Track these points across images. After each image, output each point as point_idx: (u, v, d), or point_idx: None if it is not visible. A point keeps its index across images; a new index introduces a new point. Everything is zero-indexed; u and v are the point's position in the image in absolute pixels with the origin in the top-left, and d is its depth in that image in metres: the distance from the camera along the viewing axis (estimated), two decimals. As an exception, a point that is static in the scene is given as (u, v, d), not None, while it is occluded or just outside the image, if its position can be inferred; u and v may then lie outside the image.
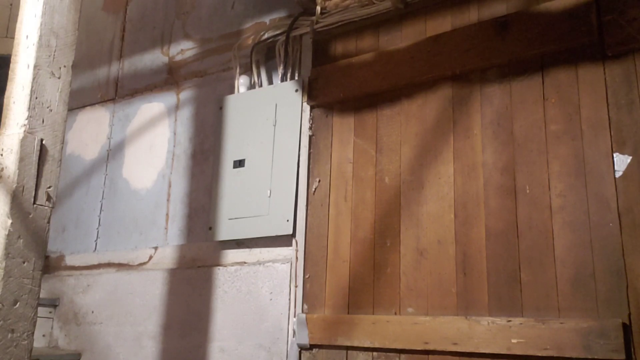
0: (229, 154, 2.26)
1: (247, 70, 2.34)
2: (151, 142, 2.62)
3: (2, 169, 1.41)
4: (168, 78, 2.65)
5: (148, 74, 2.73)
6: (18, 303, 1.39)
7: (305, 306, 1.94)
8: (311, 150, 2.09)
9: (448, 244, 1.73)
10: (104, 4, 3.05)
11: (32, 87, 1.46)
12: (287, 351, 1.92)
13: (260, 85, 2.31)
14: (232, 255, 2.19)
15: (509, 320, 1.54)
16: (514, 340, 1.52)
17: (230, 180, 2.23)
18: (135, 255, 2.48)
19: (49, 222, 1.46)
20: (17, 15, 1.56)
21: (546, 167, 1.63)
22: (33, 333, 1.41)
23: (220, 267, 2.19)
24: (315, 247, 1.98)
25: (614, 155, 1.53)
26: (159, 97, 2.66)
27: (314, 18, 2.15)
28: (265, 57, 2.33)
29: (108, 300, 2.47)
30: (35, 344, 1.43)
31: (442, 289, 1.71)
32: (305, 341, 1.87)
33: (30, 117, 1.44)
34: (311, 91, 2.12)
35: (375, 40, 2.06)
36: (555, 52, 1.68)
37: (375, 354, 1.76)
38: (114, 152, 2.75)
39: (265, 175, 2.13)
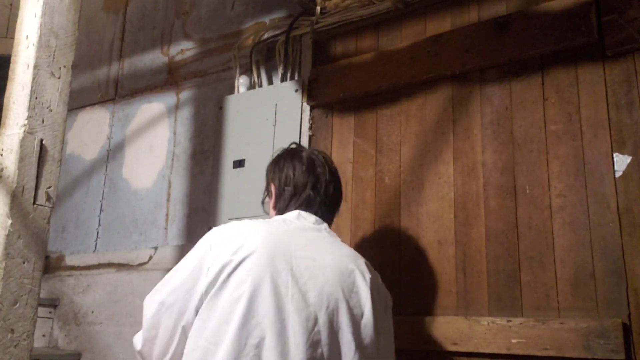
0: (229, 154, 2.26)
1: (247, 70, 2.34)
2: (151, 142, 2.62)
3: (2, 169, 1.41)
4: (168, 78, 2.65)
5: (148, 74, 2.73)
6: (18, 303, 1.38)
7: (305, 306, 1.94)
8: (311, 150, 2.09)
9: (448, 244, 1.73)
10: (103, 4, 3.05)
11: (32, 87, 1.46)
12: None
13: (260, 86, 2.31)
14: (232, 255, 2.19)
15: (509, 320, 1.54)
16: (514, 340, 1.52)
17: (230, 180, 2.23)
18: (135, 256, 2.48)
19: (48, 222, 1.46)
20: (16, 15, 1.56)
21: (546, 167, 1.63)
22: (33, 333, 1.41)
23: (220, 267, 2.19)
24: (315, 247, 1.98)
25: (614, 155, 1.53)
26: (158, 97, 2.66)
27: (313, 18, 2.15)
28: (265, 57, 2.33)
29: (108, 301, 2.47)
30: (35, 344, 1.43)
31: (442, 289, 1.71)
32: (305, 341, 1.88)
33: (30, 117, 1.44)
34: (311, 91, 2.12)
35: (375, 41, 2.05)
36: (555, 52, 1.68)
37: (375, 354, 1.76)
38: (114, 152, 2.75)
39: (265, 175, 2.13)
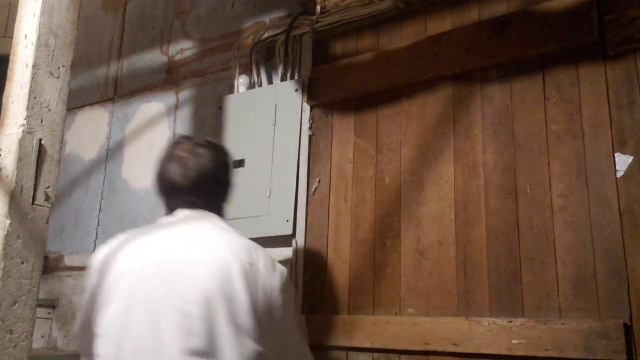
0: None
1: (246, 70, 2.34)
2: (150, 142, 2.61)
3: (1, 169, 1.40)
4: (167, 78, 2.65)
5: (147, 73, 2.73)
6: (17, 304, 1.38)
7: (305, 306, 1.94)
8: (311, 150, 2.09)
9: (448, 244, 1.72)
10: (102, 3, 3.04)
11: (30, 86, 1.45)
12: (287, 352, 1.92)
13: (260, 85, 2.30)
14: (231, 255, 2.18)
15: (510, 321, 1.54)
16: (514, 341, 1.52)
17: (230, 180, 2.22)
18: (134, 256, 2.47)
19: (47, 222, 1.46)
20: (15, 14, 1.55)
21: (547, 167, 1.62)
22: (32, 334, 1.41)
23: (220, 268, 2.18)
24: (315, 247, 1.98)
25: (615, 155, 1.53)
26: (158, 96, 2.66)
27: (313, 18, 2.14)
28: (265, 57, 2.33)
29: (107, 301, 2.46)
30: (34, 345, 1.42)
31: (442, 289, 1.70)
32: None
33: (29, 117, 1.44)
34: (311, 91, 2.11)
35: (375, 40, 2.05)
36: (556, 51, 1.67)
37: (375, 354, 1.75)
38: (113, 152, 2.74)
39: (265, 175, 2.13)
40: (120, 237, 1.41)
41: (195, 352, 1.19)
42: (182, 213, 1.41)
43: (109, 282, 1.29)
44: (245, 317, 1.23)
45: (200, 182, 1.42)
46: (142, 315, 1.23)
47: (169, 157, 1.45)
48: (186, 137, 1.51)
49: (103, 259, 1.36)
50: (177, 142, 1.49)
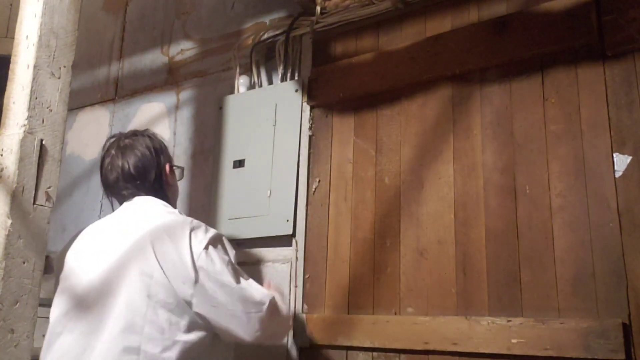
0: (229, 154, 2.26)
1: (247, 70, 2.34)
2: (151, 142, 2.61)
3: (2, 169, 1.41)
4: (168, 78, 2.65)
5: (148, 73, 2.73)
6: (18, 303, 1.39)
7: (305, 306, 1.94)
8: (311, 150, 2.09)
9: (448, 244, 1.73)
10: (103, 3, 3.05)
11: (31, 87, 1.46)
12: (286, 351, 1.92)
13: (260, 85, 2.31)
14: (232, 255, 2.19)
15: (509, 320, 1.54)
16: (514, 341, 1.52)
17: (230, 180, 2.23)
18: (135, 255, 2.47)
19: (48, 222, 1.46)
20: (17, 15, 1.56)
21: (546, 167, 1.63)
22: (33, 333, 1.41)
23: (220, 267, 2.19)
24: (315, 247, 1.98)
25: (614, 155, 1.53)
26: (158, 97, 2.66)
27: (313, 18, 2.15)
28: (265, 57, 2.33)
29: (108, 300, 2.46)
30: (35, 344, 1.43)
31: (442, 289, 1.71)
32: (305, 341, 1.87)
33: (30, 117, 1.44)
34: (311, 91, 2.12)
35: (375, 40, 2.05)
36: (555, 52, 1.68)
37: (375, 354, 1.76)
38: (113, 152, 2.74)
39: (265, 175, 2.13)
40: (83, 232, 1.60)
41: (124, 330, 1.32)
42: (125, 204, 1.57)
43: (64, 271, 1.54)
44: (161, 291, 1.35)
45: (128, 174, 1.55)
46: (78, 304, 1.44)
47: (102, 157, 1.61)
48: (114, 136, 1.64)
49: (64, 251, 1.57)
50: (107, 142, 1.62)
